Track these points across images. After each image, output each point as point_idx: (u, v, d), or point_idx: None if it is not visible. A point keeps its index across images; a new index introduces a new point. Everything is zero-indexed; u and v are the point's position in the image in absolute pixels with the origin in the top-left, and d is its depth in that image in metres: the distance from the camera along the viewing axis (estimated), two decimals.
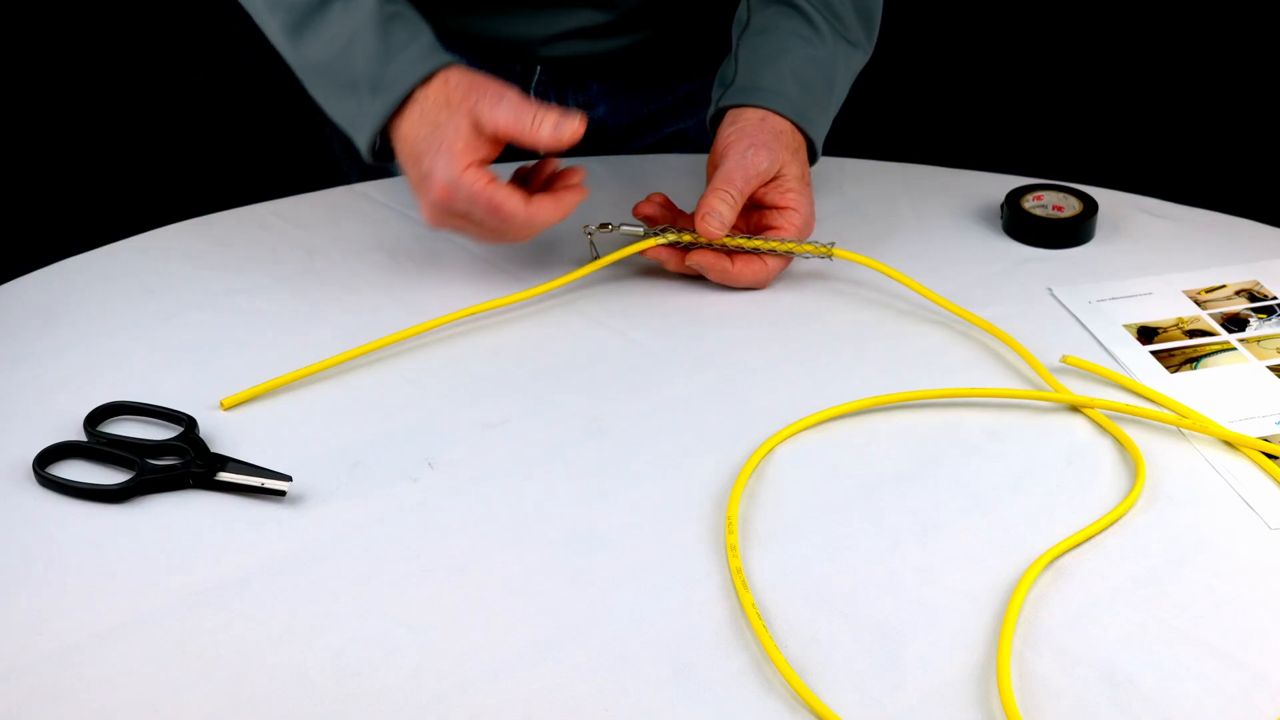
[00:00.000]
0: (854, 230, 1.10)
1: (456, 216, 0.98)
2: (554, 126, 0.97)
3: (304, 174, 1.26)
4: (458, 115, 0.97)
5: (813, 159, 1.08)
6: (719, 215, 1.00)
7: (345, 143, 1.33)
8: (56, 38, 2.04)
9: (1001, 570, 0.79)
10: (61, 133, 2.05)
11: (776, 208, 1.04)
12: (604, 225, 1.04)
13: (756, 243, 1.02)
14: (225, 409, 0.91)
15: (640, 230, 1.04)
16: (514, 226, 0.98)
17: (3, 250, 1.72)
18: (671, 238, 1.02)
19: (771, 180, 1.03)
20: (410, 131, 0.99)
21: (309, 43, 1.02)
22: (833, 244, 1.02)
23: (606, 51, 1.23)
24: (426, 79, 0.99)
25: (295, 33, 1.02)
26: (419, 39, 1.00)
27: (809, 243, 1.02)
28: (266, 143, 1.97)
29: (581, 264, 1.04)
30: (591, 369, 0.96)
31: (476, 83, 0.99)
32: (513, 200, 0.97)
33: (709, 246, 1.02)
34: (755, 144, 1.02)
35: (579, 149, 1.27)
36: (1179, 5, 2.01)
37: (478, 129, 0.97)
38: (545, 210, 0.98)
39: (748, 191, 1.02)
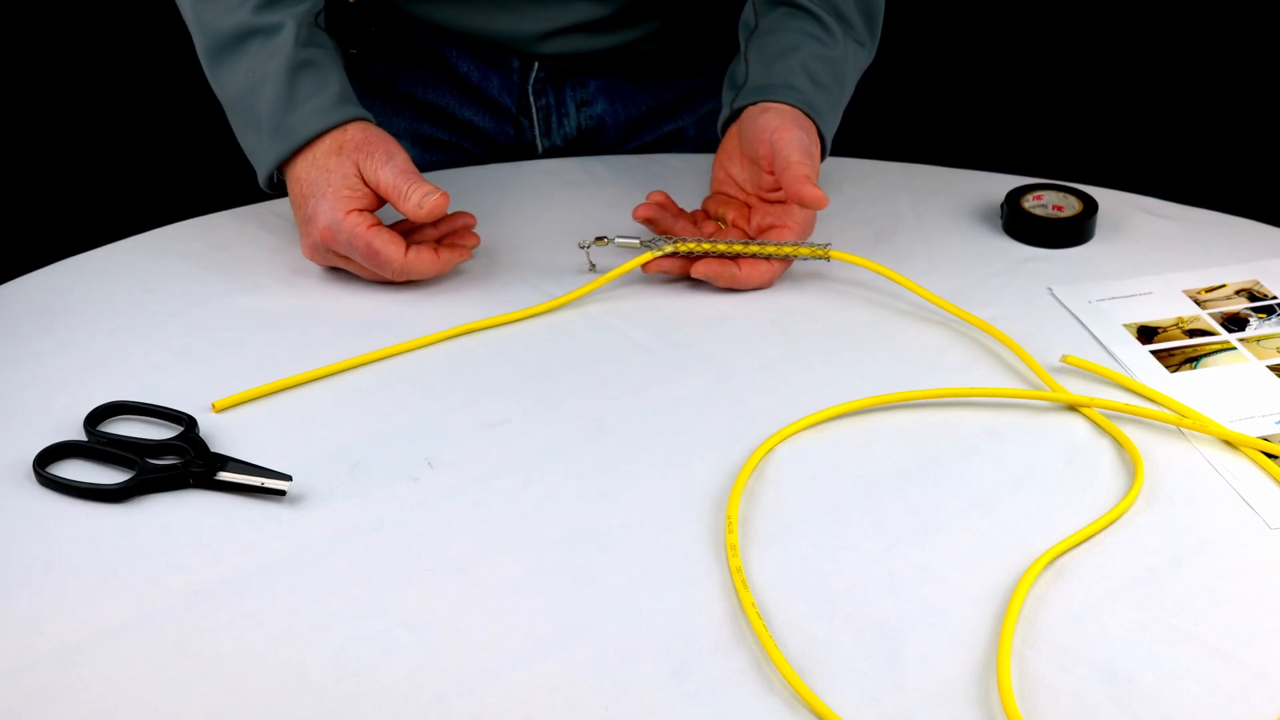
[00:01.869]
0: (854, 230, 1.10)
1: (336, 256, 1.02)
2: (421, 197, 1.00)
3: None
4: (345, 163, 1.01)
5: (821, 155, 1.08)
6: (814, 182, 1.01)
7: None
8: (56, 38, 2.04)
9: (1001, 570, 0.79)
10: (61, 133, 2.04)
11: (782, 203, 1.04)
12: (599, 239, 1.04)
13: (754, 248, 1.02)
14: (216, 411, 0.91)
15: (635, 241, 1.04)
16: (390, 271, 1.01)
17: (3, 250, 1.72)
18: (669, 249, 1.02)
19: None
20: (302, 174, 1.02)
21: (224, 73, 1.06)
22: (829, 245, 1.02)
23: (604, 48, 1.23)
24: (324, 132, 1.02)
25: (214, 60, 1.06)
26: (325, 91, 1.03)
27: (805, 245, 1.03)
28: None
29: (580, 272, 1.04)
30: (591, 369, 0.96)
31: (371, 138, 1.02)
32: (390, 248, 1.00)
33: (706, 255, 1.02)
34: (802, 128, 1.04)
35: (578, 149, 1.27)
36: (1179, 5, 2.01)
37: (362, 179, 1.01)
38: (421, 263, 1.02)
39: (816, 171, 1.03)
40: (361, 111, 1.04)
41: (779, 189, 1.04)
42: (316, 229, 1.01)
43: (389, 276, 1.02)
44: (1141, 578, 0.79)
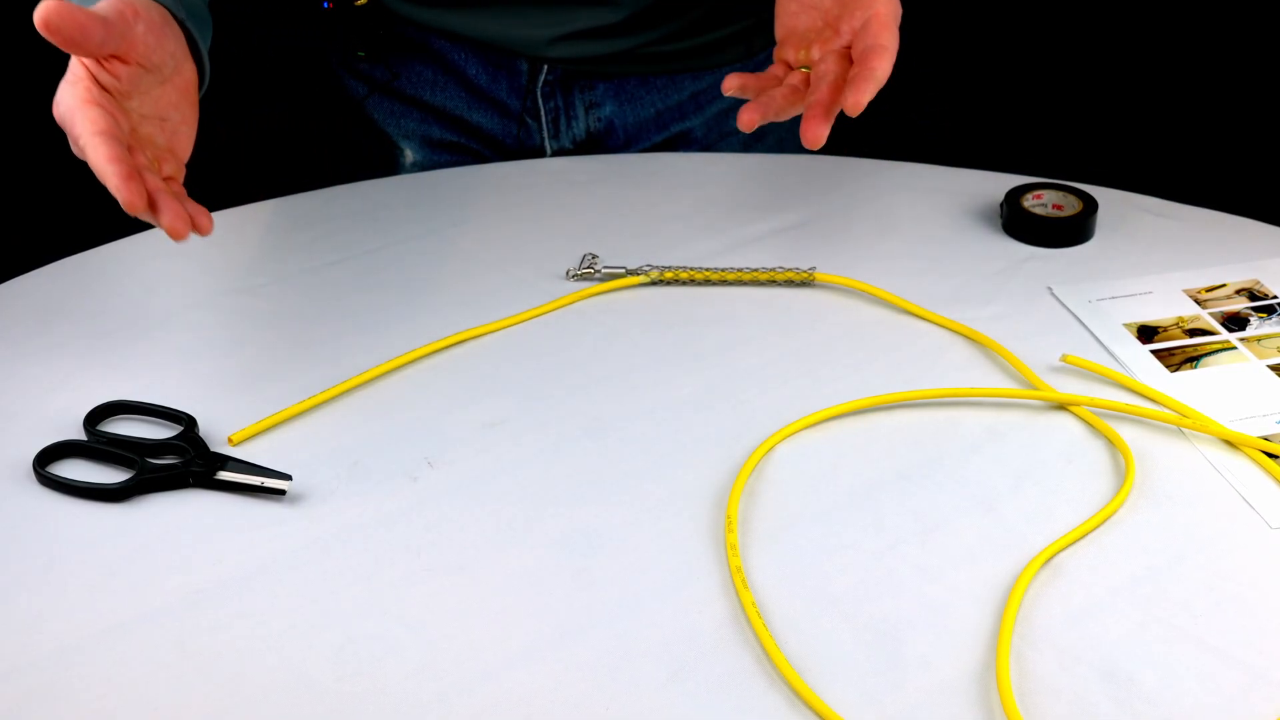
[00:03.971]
0: (854, 229, 1.10)
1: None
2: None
3: (304, 173, 1.26)
4: None
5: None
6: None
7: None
8: None
9: (1001, 569, 0.79)
10: (61, 133, 2.04)
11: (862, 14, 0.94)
12: (587, 269, 1.04)
13: (739, 274, 1.03)
14: (233, 445, 0.89)
15: (622, 270, 1.04)
16: (82, 140, 0.83)
17: (3, 250, 1.72)
18: (654, 276, 1.03)
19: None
20: None
21: None
22: (813, 269, 1.03)
23: (613, 52, 1.23)
24: None
25: None
26: None
27: (789, 269, 1.03)
28: (266, 142, 1.97)
29: (581, 273, 1.05)
30: (591, 369, 0.96)
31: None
32: (86, 125, 0.83)
33: (690, 283, 1.03)
34: None
35: (586, 151, 1.27)
36: (1179, 5, 2.01)
37: None
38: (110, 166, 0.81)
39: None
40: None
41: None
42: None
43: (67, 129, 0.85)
44: (1141, 577, 0.79)
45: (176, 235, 0.83)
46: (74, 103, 0.84)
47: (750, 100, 0.93)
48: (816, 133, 0.89)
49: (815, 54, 0.94)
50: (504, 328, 1.00)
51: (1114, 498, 0.84)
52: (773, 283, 1.04)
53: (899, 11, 0.93)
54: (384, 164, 1.29)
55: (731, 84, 0.95)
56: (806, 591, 0.78)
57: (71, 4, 0.81)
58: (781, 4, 0.98)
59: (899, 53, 0.91)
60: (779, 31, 0.98)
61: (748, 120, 0.92)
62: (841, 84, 0.90)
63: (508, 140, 1.28)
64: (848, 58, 0.92)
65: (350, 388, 0.94)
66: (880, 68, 0.88)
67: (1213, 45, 2.03)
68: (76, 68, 0.85)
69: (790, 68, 0.96)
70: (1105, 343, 0.99)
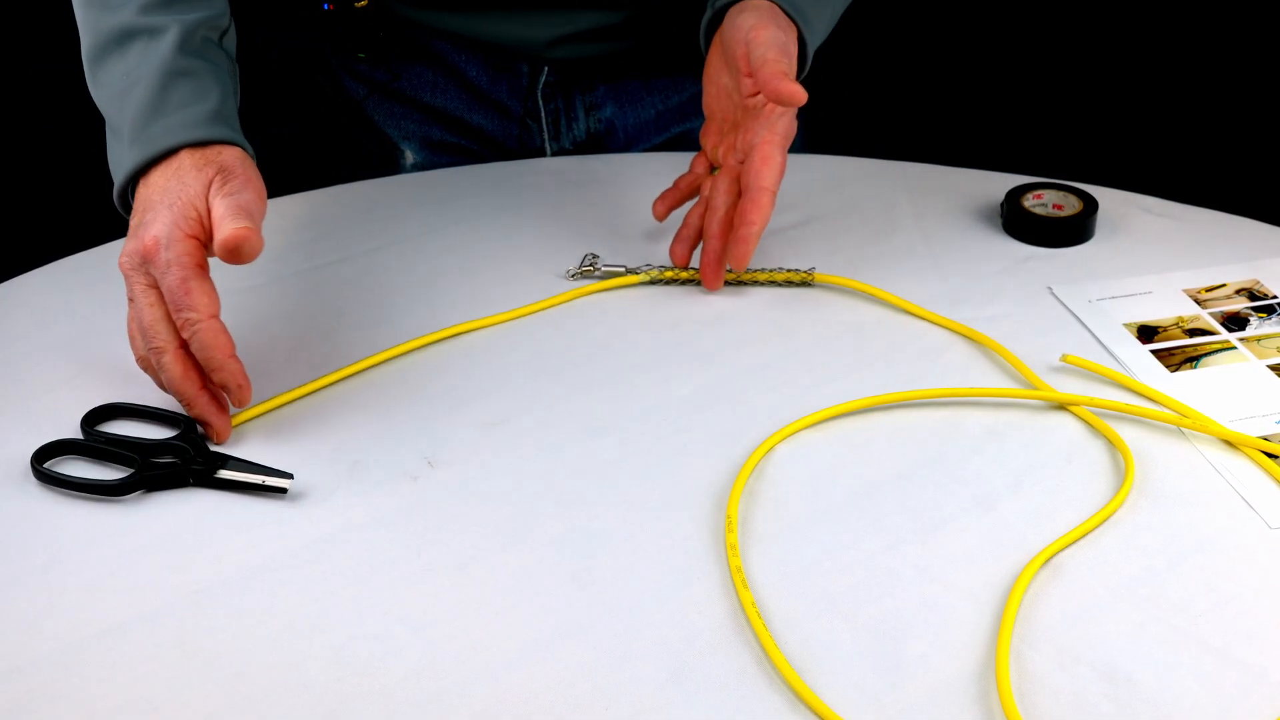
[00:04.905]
0: (854, 230, 1.10)
1: (142, 280, 0.88)
2: (230, 226, 0.85)
3: (304, 173, 1.26)
4: (201, 179, 0.89)
5: (802, 67, 1.03)
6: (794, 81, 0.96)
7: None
8: (56, 36, 2.04)
9: (1001, 569, 0.79)
10: (61, 133, 2.04)
11: (758, 110, 1.01)
12: (588, 269, 1.04)
13: (732, 275, 1.03)
14: (233, 426, 0.89)
15: (621, 269, 1.04)
16: (189, 321, 0.87)
17: (3, 250, 1.72)
18: (654, 274, 1.03)
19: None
20: (157, 180, 0.90)
21: (103, 73, 0.96)
22: (813, 269, 1.03)
23: (613, 53, 1.23)
24: (187, 146, 0.91)
25: (95, 61, 0.97)
26: (201, 104, 0.92)
27: (789, 269, 1.03)
28: (265, 142, 1.96)
29: (580, 272, 1.05)
30: (592, 369, 0.96)
31: (239, 168, 0.90)
32: (206, 296, 0.87)
33: (690, 283, 1.04)
34: (780, 27, 0.99)
35: (587, 153, 1.27)
36: (1179, 5, 2.01)
37: (206, 199, 0.89)
38: (232, 372, 0.87)
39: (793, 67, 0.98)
40: (237, 137, 0.93)
41: (756, 93, 1.00)
42: (147, 235, 0.87)
43: (175, 333, 0.88)
44: (1141, 577, 0.79)
45: (220, 438, 0.89)
46: (190, 265, 0.87)
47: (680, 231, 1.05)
48: (714, 284, 1.02)
49: (721, 157, 1.05)
50: (504, 321, 1.00)
51: (1114, 498, 0.84)
52: (772, 283, 1.04)
53: (792, 131, 1.01)
54: (384, 165, 1.29)
55: (660, 210, 1.07)
56: (806, 591, 0.78)
57: (256, 231, 0.86)
58: (706, 83, 1.06)
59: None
60: (705, 107, 1.07)
61: (681, 254, 1.04)
62: (729, 221, 1.01)
63: (508, 142, 1.28)
64: (738, 184, 1.01)
65: (350, 374, 0.94)
66: (757, 222, 0.99)
67: (1213, 45, 2.03)
68: (195, 223, 0.88)
69: (707, 158, 1.06)
70: (1105, 343, 0.99)
